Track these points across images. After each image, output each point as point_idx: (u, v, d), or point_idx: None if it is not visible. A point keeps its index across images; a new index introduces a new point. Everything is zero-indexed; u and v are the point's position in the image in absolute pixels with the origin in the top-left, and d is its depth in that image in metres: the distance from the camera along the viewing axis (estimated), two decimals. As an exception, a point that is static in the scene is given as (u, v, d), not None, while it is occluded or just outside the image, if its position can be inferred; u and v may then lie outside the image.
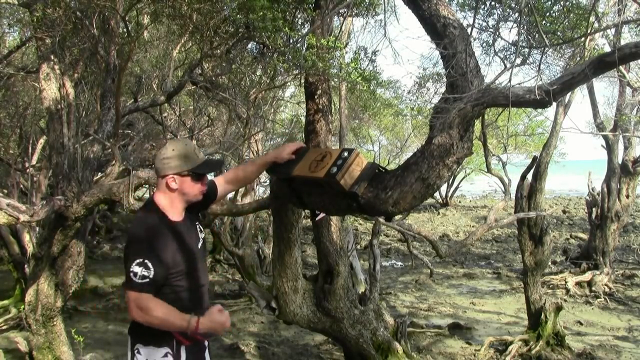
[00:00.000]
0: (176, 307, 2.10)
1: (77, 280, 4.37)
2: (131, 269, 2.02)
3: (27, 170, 7.11)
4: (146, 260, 2.03)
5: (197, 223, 2.37)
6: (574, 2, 3.56)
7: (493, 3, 3.35)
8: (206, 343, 2.35)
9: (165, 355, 2.13)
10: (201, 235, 2.35)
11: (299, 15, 3.80)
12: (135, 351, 2.16)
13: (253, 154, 7.71)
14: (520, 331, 5.93)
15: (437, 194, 19.66)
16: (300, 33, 3.60)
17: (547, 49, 2.75)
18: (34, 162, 7.27)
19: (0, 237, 6.31)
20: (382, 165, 2.65)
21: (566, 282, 8.33)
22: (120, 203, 3.83)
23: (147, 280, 2.02)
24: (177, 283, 2.15)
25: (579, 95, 8.71)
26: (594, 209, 9.01)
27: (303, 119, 5.41)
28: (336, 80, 3.82)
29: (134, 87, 6.31)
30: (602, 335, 6.15)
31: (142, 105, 5.37)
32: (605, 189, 8.68)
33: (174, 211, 2.23)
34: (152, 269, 2.03)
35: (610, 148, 8.65)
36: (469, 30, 2.57)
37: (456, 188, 21.33)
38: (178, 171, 2.19)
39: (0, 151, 6.89)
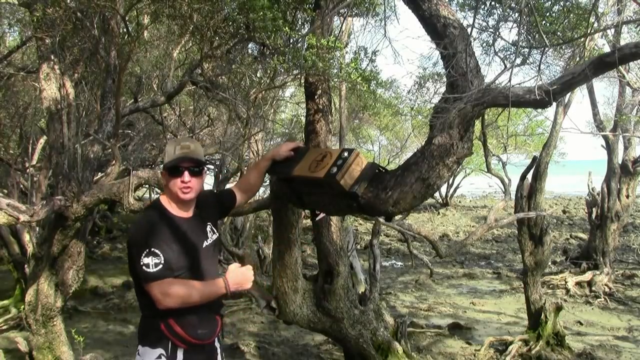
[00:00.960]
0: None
1: (77, 280, 4.36)
2: (141, 263, 2.03)
3: (27, 170, 7.11)
4: (152, 249, 2.04)
5: (209, 224, 2.36)
6: (574, 2, 3.56)
7: (493, 3, 3.35)
8: (217, 345, 2.32)
9: (159, 357, 2.12)
10: (212, 236, 2.34)
11: (299, 15, 3.80)
12: (137, 352, 2.18)
13: (253, 154, 7.70)
14: (520, 331, 5.93)
15: (437, 194, 19.66)
16: (300, 33, 3.60)
17: (547, 49, 2.75)
18: (34, 162, 7.26)
19: (0, 237, 6.31)
20: (382, 165, 2.65)
21: (566, 282, 8.33)
22: (120, 203, 3.83)
23: (161, 265, 2.03)
24: (181, 278, 2.14)
25: (579, 95, 8.73)
26: (594, 209, 9.02)
27: (303, 119, 5.41)
28: (336, 80, 3.81)
29: (134, 87, 6.30)
30: (602, 335, 6.15)
31: (142, 105, 5.37)
32: (605, 189, 8.69)
33: (174, 206, 2.25)
34: (161, 255, 2.04)
35: (610, 148, 8.65)
36: (469, 30, 2.57)
37: (456, 188, 21.32)
38: (163, 168, 2.26)
39: (0, 151, 6.88)
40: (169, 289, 2.04)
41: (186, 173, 2.20)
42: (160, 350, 2.12)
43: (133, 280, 2.20)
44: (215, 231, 2.38)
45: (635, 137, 8.58)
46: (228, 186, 7.20)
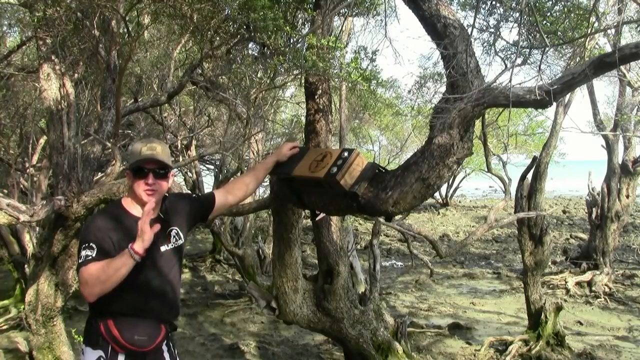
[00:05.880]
0: (121, 308, 2.08)
1: (77, 280, 4.36)
2: (80, 255, 2.02)
3: (27, 170, 7.11)
4: (91, 243, 2.02)
5: (174, 228, 2.26)
6: (575, 2, 3.56)
7: (494, 3, 3.35)
8: (166, 356, 2.24)
9: (99, 359, 2.10)
10: (176, 241, 2.25)
11: (299, 15, 3.80)
12: (82, 350, 2.18)
13: (253, 154, 7.71)
14: (520, 331, 5.93)
15: (437, 194, 19.65)
16: (300, 33, 3.60)
17: (547, 49, 2.75)
18: (34, 162, 7.27)
19: (0, 237, 6.31)
20: (382, 165, 2.65)
21: (566, 282, 8.33)
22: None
23: (90, 257, 1.99)
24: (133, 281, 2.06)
25: (579, 95, 8.73)
26: (594, 209, 9.02)
27: (303, 119, 5.40)
28: (336, 80, 3.81)
29: (134, 87, 6.30)
30: (602, 335, 6.15)
31: (142, 105, 5.36)
32: (605, 189, 8.68)
33: (136, 207, 2.20)
34: (95, 248, 2.01)
35: (610, 148, 8.65)
36: (469, 30, 2.57)
37: (456, 188, 21.32)
38: (127, 167, 2.22)
39: (0, 151, 6.88)
40: (86, 274, 1.97)
41: (151, 175, 2.15)
42: (100, 353, 2.09)
43: None
44: (182, 237, 2.28)
45: (636, 137, 8.58)
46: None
